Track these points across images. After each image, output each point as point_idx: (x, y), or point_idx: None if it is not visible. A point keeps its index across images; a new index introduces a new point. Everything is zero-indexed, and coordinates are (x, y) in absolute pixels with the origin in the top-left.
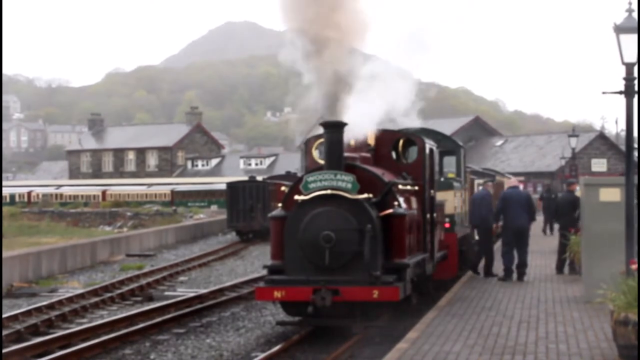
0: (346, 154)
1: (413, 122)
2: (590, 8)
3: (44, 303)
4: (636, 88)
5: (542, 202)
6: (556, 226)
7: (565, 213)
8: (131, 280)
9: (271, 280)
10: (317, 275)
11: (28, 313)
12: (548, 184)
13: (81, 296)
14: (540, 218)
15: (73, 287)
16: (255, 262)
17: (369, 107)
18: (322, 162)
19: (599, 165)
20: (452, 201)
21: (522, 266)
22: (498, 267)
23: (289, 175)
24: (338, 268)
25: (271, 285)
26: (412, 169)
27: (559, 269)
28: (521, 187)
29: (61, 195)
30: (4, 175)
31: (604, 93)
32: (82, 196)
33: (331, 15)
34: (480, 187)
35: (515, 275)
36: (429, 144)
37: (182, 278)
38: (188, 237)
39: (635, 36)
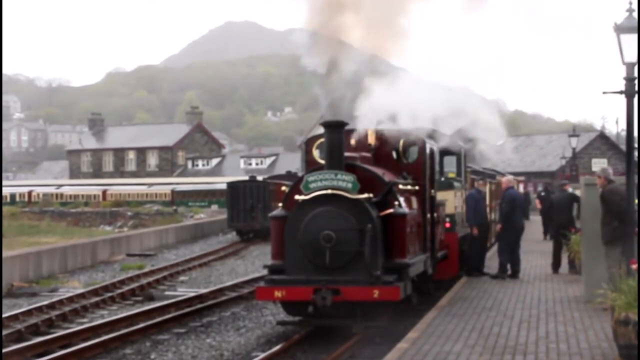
0: (346, 154)
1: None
2: (590, 8)
3: (45, 303)
4: (636, 88)
5: (541, 202)
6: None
7: (562, 211)
8: (132, 280)
9: (272, 280)
10: (318, 275)
11: (28, 313)
12: (547, 183)
13: (82, 296)
14: (537, 218)
15: (73, 287)
16: (256, 261)
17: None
18: (322, 161)
19: (600, 165)
20: (452, 201)
21: (519, 264)
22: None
23: (289, 175)
24: (338, 268)
25: (272, 285)
26: (412, 168)
27: (555, 268)
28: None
29: (61, 195)
30: (4, 175)
31: (604, 93)
32: (82, 196)
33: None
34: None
35: (509, 274)
36: (430, 144)
37: (182, 278)
38: (188, 236)
39: (636, 36)
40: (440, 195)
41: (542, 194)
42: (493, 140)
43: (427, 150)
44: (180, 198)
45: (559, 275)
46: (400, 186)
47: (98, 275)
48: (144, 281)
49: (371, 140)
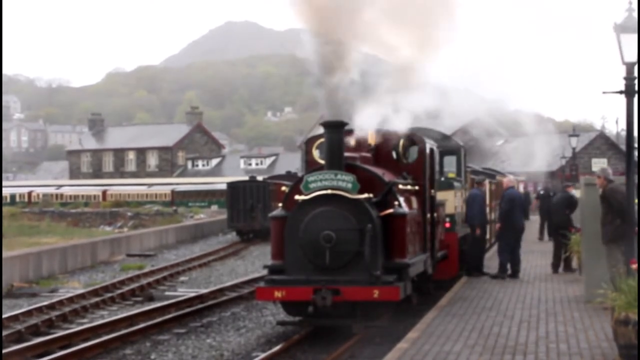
0: (346, 154)
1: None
2: (590, 8)
3: (45, 303)
4: (636, 88)
5: (539, 202)
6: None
7: (557, 212)
8: (132, 280)
9: (272, 280)
10: (318, 275)
11: (28, 313)
12: (546, 182)
13: (82, 296)
14: (535, 217)
15: (73, 287)
16: (256, 262)
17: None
18: (322, 162)
19: (600, 165)
20: (452, 201)
21: (519, 264)
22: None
23: (289, 175)
24: (338, 268)
25: (272, 285)
26: (412, 168)
27: (555, 267)
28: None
29: (61, 195)
30: (4, 175)
31: (604, 93)
32: (82, 196)
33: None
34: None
35: (509, 274)
36: (430, 144)
37: (182, 278)
38: (188, 237)
39: (636, 36)
40: (440, 195)
41: (541, 192)
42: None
43: (427, 150)
44: (180, 198)
45: (559, 275)
46: (400, 186)
47: (98, 275)
48: (144, 281)
49: (371, 140)
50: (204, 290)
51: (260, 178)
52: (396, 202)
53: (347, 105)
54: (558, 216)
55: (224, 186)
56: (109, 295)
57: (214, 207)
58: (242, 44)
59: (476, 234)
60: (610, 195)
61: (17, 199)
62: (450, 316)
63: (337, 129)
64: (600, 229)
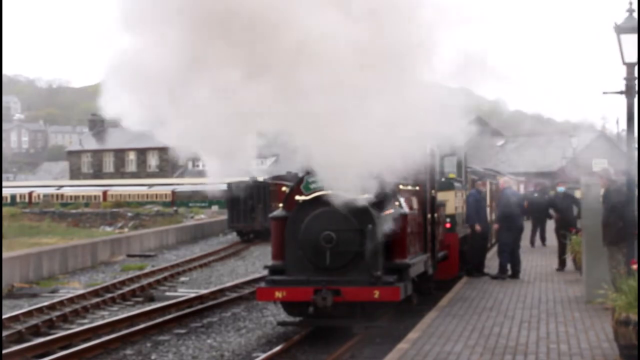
0: None
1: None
2: (591, 8)
3: (45, 303)
4: (637, 88)
5: (531, 205)
6: (549, 236)
7: (567, 211)
8: (132, 280)
9: (272, 280)
10: (318, 275)
11: (29, 313)
12: (541, 183)
13: (82, 296)
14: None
15: (74, 288)
16: (256, 262)
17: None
18: None
19: (600, 165)
20: (453, 201)
21: (519, 264)
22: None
23: (289, 176)
24: (339, 268)
25: (272, 286)
26: None
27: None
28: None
29: (62, 195)
30: (4, 175)
31: (604, 93)
32: (82, 197)
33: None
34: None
35: (510, 274)
36: (430, 145)
37: (183, 278)
38: (189, 237)
39: (636, 36)
40: (441, 196)
41: (535, 194)
42: None
43: (427, 151)
44: (180, 199)
45: (560, 275)
46: (401, 186)
47: (98, 275)
48: (144, 282)
49: None
50: (204, 291)
51: (260, 178)
52: (397, 203)
53: None
54: (568, 214)
55: (224, 187)
56: (110, 295)
57: (215, 208)
58: None
59: (499, 230)
60: (614, 197)
61: (18, 200)
62: (451, 316)
63: None
64: (601, 230)
